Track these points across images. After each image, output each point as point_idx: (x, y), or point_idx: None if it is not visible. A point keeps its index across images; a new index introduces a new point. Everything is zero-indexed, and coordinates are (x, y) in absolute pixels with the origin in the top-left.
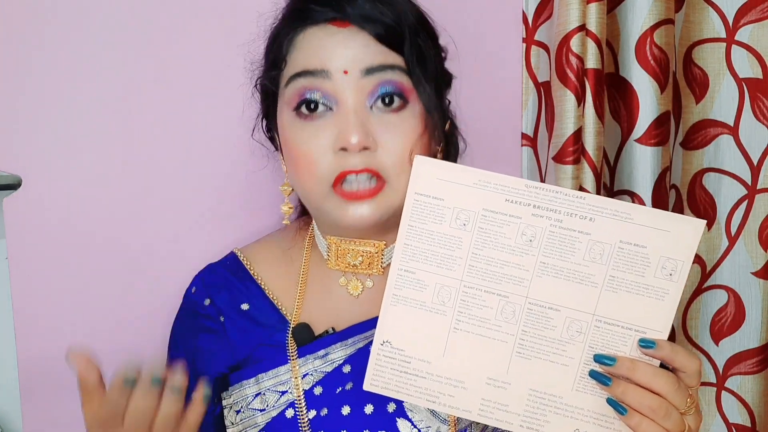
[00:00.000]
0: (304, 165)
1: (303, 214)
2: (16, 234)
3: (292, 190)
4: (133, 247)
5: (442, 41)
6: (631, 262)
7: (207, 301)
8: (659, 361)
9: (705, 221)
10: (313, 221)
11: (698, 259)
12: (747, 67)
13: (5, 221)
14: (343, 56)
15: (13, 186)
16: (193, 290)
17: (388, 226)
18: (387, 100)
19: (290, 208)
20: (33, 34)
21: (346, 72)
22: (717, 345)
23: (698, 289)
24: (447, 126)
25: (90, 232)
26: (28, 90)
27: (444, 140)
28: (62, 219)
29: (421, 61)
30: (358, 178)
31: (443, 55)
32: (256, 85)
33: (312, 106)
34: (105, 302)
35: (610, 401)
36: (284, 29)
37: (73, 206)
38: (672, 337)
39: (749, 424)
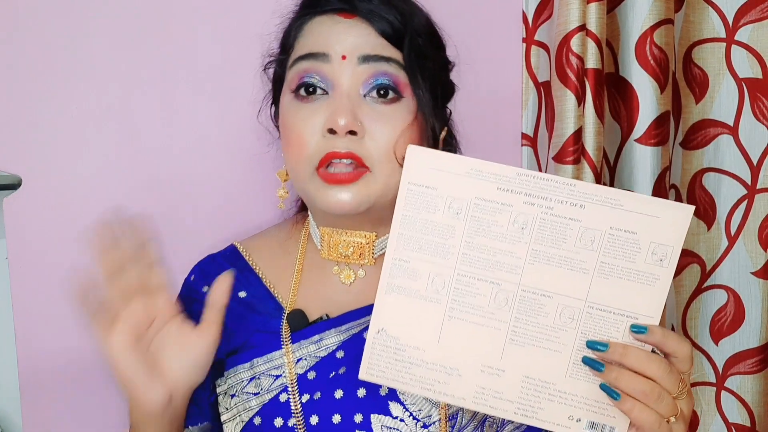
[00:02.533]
0: (295, 144)
1: (301, 209)
2: (16, 234)
3: (287, 176)
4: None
5: (449, 53)
6: (622, 248)
7: (205, 288)
8: (651, 347)
9: (693, 207)
10: (309, 214)
11: (698, 259)
12: (747, 67)
13: (5, 221)
14: (343, 42)
15: (13, 186)
16: (192, 278)
17: (378, 217)
18: (381, 92)
19: (286, 192)
20: (33, 34)
21: (344, 57)
22: (717, 345)
23: (698, 289)
24: (444, 133)
25: (90, 232)
26: (28, 90)
27: (439, 147)
28: (62, 219)
29: (419, 59)
30: (342, 161)
31: (449, 66)
32: (265, 69)
33: (310, 89)
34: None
35: (603, 387)
36: (296, 17)
37: (73, 206)
38: None
39: (749, 424)
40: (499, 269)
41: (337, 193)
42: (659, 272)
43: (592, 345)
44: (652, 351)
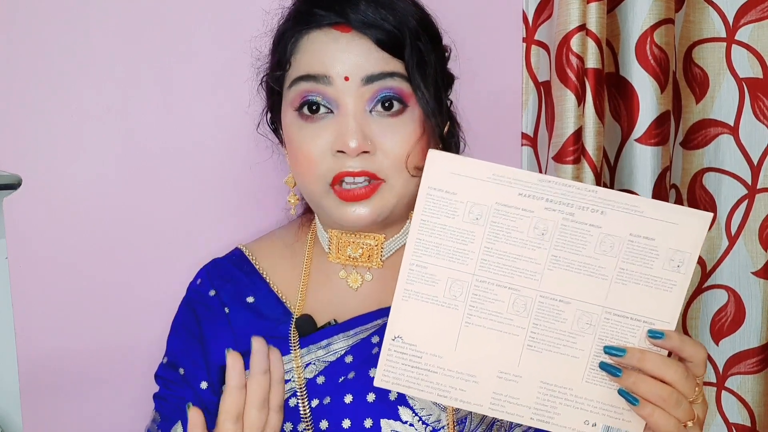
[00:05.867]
0: (304, 164)
1: (306, 211)
2: (16, 234)
3: (295, 183)
4: (133, 246)
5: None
6: (640, 255)
7: (212, 292)
8: (667, 352)
9: (712, 214)
10: (315, 217)
11: (698, 259)
12: (747, 66)
13: (5, 221)
14: (344, 62)
15: (13, 186)
16: (198, 282)
17: (388, 220)
18: (387, 104)
19: (297, 199)
20: (33, 34)
21: (347, 78)
22: (717, 345)
23: (698, 289)
24: (447, 127)
25: (90, 232)
26: (28, 90)
27: (443, 141)
28: (62, 219)
29: (421, 67)
30: (356, 180)
31: (446, 55)
32: (261, 83)
33: (314, 107)
34: (105, 302)
35: (621, 392)
36: (289, 31)
37: (73, 206)
38: None
39: (749, 424)
40: (518, 275)
41: (355, 209)
42: (676, 278)
43: (609, 350)
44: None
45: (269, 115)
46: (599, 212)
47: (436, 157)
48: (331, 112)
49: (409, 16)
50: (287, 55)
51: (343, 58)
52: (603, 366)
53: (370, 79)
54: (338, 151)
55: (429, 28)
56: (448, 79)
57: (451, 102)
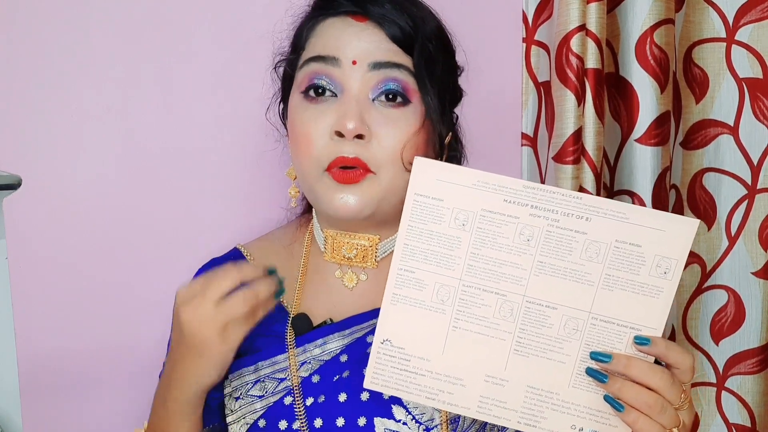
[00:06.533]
0: (302, 144)
1: (305, 211)
2: (16, 234)
3: (296, 176)
4: (133, 246)
5: (458, 58)
6: (627, 261)
7: None
8: (653, 358)
9: (699, 221)
10: (314, 216)
11: (698, 259)
12: (747, 67)
13: (5, 221)
14: (354, 47)
15: (13, 186)
16: None
17: (382, 220)
18: (390, 96)
19: (297, 192)
20: (33, 34)
21: (354, 62)
22: (717, 345)
23: (698, 289)
24: (449, 138)
25: (90, 232)
26: (28, 90)
27: (444, 152)
28: (62, 219)
29: (429, 66)
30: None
31: (458, 72)
32: (275, 68)
33: (319, 90)
34: (105, 302)
35: (607, 398)
36: (308, 17)
37: (73, 206)
38: (672, 338)
39: (749, 424)
40: (504, 280)
41: (343, 196)
42: (663, 285)
43: (595, 356)
44: (655, 362)
45: (281, 105)
46: (584, 219)
47: (422, 164)
48: (335, 95)
49: (426, 21)
50: (303, 39)
51: (354, 43)
52: (589, 372)
53: (376, 66)
54: (336, 133)
55: (443, 39)
56: (457, 93)
57: (457, 117)
